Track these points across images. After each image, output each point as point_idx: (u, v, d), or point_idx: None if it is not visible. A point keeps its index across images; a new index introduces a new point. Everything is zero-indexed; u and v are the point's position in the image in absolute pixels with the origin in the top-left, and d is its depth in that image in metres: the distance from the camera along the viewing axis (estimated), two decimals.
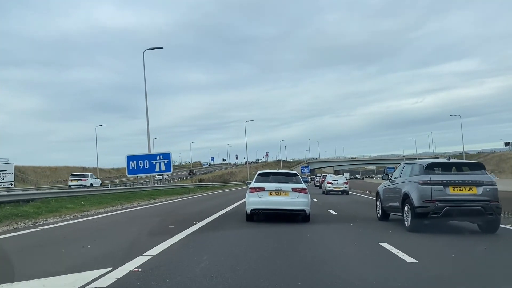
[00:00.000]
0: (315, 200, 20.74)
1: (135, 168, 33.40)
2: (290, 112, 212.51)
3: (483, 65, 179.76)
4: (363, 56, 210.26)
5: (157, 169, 33.41)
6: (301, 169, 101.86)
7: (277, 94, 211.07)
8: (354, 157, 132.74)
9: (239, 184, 71.27)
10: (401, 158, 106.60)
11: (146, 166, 33.22)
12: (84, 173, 43.64)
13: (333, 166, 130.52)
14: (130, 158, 33.75)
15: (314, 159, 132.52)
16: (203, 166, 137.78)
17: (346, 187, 32.51)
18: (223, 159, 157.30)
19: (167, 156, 34.06)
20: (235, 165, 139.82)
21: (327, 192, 32.68)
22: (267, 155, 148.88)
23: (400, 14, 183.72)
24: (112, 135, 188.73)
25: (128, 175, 36.05)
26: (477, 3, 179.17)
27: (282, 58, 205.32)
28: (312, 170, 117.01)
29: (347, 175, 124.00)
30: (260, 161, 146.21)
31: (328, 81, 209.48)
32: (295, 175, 12.44)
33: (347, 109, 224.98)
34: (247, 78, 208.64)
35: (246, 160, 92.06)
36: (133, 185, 41.22)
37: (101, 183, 43.62)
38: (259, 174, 12.33)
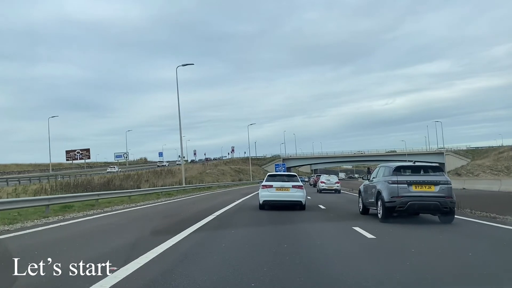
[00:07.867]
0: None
1: None
2: (263, 112, 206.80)
3: (454, 67, 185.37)
4: (338, 56, 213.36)
5: None
6: (275, 167, 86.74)
7: (251, 94, 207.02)
8: (331, 154, 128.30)
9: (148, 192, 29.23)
10: (378, 155, 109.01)
11: None
12: None
13: (310, 164, 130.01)
14: None
15: (289, 156, 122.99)
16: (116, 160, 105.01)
17: (338, 186, 35.89)
18: (179, 156, 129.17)
19: None
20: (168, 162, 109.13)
21: (321, 191, 35.75)
22: (232, 150, 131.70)
23: (378, 15, 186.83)
24: (79, 134, 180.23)
25: None
26: (452, 6, 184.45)
27: (258, 57, 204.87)
28: (288, 169, 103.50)
29: (342, 174, 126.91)
30: (224, 157, 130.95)
31: (303, 82, 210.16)
32: (295, 176, 16.74)
33: (319, 110, 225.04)
34: (222, 77, 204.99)
35: (181, 151, 49.45)
36: None
37: None
38: (269, 176, 16.57)
